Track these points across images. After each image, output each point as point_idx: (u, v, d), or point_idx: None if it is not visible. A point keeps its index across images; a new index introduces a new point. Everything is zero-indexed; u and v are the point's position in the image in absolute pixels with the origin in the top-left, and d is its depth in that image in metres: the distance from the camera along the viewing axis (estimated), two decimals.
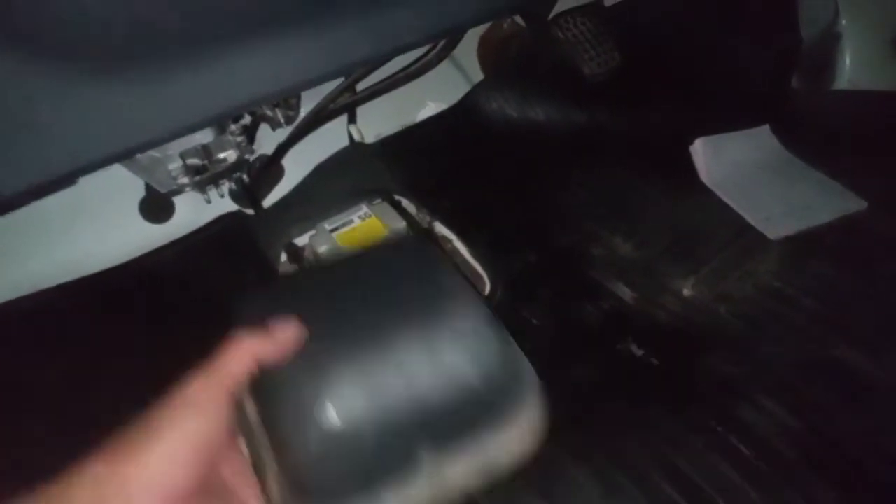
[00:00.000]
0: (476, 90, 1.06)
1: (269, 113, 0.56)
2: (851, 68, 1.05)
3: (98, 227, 0.86)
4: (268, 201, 0.92)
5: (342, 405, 0.39)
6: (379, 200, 0.89)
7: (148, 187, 0.85)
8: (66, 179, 0.30)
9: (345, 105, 0.80)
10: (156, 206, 0.87)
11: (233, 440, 0.39)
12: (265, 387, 0.41)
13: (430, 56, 0.62)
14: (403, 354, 0.41)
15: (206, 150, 0.49)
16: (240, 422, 0.41)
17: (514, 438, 0.42)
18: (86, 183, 0.85)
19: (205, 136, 0.48)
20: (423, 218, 0.90)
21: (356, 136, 1.00)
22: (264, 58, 0.32)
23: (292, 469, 0.40)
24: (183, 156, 0.47)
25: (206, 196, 0.59)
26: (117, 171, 0.80)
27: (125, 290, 0.78)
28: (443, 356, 0.41)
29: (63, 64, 0.26)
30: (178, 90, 0.31)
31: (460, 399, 0.40)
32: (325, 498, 0.40)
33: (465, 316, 0.43)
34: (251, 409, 0.42)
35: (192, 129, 0.33)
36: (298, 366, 0.40)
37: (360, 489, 0.40)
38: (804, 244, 0.81)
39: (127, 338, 0.72)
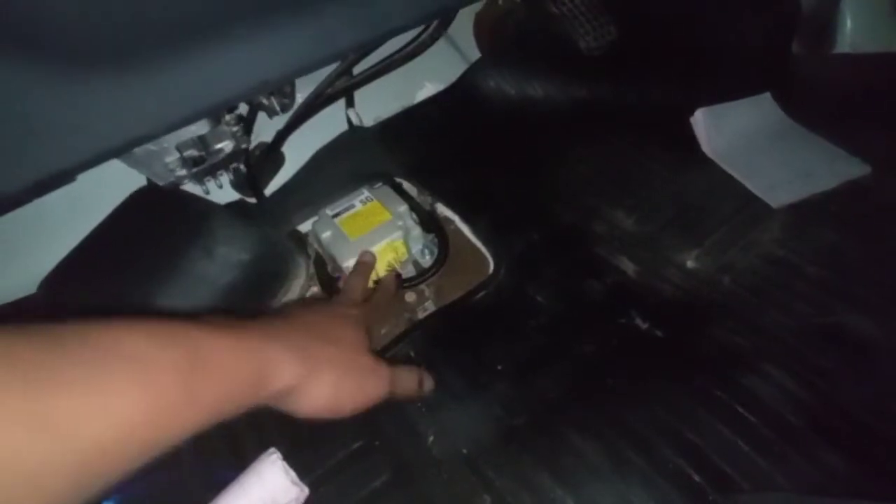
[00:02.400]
0: (473, 69, 1.05)
1: (264, 102, 0.56)
2: (852, 31, 1.04)
3: (97, 223, 0.86)
4: (269, 189, 0.93)
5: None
6: (380, 184, 0.89)
7: (148, 182, 0.85)
8: (65, 176, 0.31)
9: (342, 89, 0.80)
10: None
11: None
12: None
13: (423, 37, 0.62)
14: (193, 266, 0.57)
15: (202, 142, 0.50)
16: None
17: (297, 285, 0.66)
18: (84, 179, 0.86)
19: (200, 128, 0.48)
20: (425, 200, 0.90)
21: (355, 121, 1.00)
22: (256, 47, 0.32)
23: None
24: (179, 148, 0.48)
25: (204, 188, 0.60)
26: (116, 165, 0.81)
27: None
28: (219, 255, 0.58)
29: (58, 61, 0.26)
30: (172, 83, 0.31)
31: (248, 277, 0.59)
32: None
33: (224, 225, 0.61)
34: None
35: (188, 121, 0.34)
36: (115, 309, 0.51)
37: None
38: (808, 211, 0.81)
39: None
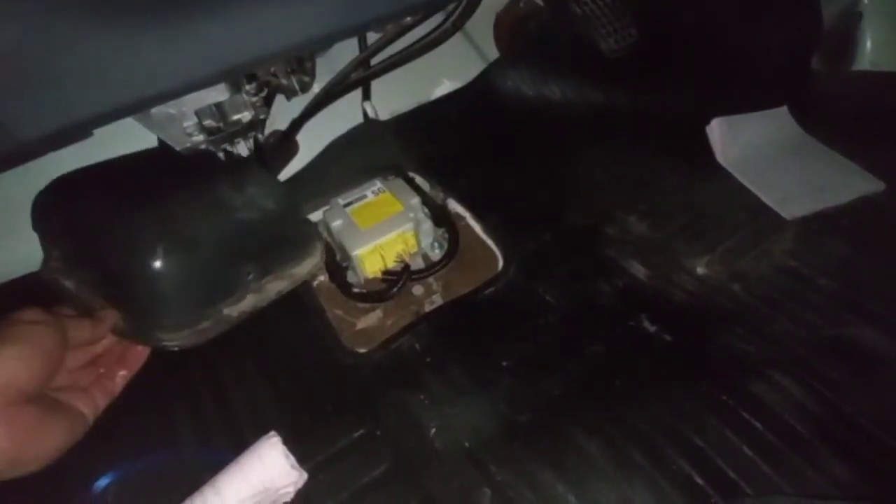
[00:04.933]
0: (491, 68, 1.05)
1: (283, 81, 0.56)
2: (873, 48, 1.04)
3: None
4: (282, 177, 0.93)
5: (180, 243, 0.54)
6: (393, 177, 0.89)
7: None
8: (82, 128, 0.31)
9: (359, 79, 0.80)
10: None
11: (64, 355, 0.46)
12: (95, 247, 0.56)
13: (446, 25, 0.62)
14: (217, 193, 0.58)
15: (220, 111, 0.50)
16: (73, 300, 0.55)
17: (309, 263, 0.65)
18: (100, 157, 0.86)
19: (220, 94, 0.48)
20: (437, 195, 0.90)
21: (370, 113, 1.00)
22: (283, 9, 0.32)
23: (142, 306, 0.55)
24: (198, 114, 0.48)
25: (221, 155, 0.61)
26: (132, 144, 0.81)
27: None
28: (245, 191, 0.59)
29: (83, 8, 0.26)
30: (196, 39, 0.31)
31: (265, 226, 0.60)
32: (180, 318, 0.56)
33: (256, 170, 0.63)
34: (68, 282, 0.57)
35: (209, 81, 0.34)
36: (133, 219, 0.51)
37: (204, 308, 0.57)
38: (820, 224, 0.80)
39: None
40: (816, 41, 1.04)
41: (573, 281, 0.76)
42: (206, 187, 0.58)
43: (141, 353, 0.57)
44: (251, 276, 0.60)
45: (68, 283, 0.57)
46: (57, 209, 0.58)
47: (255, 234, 0.60)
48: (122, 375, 0.54)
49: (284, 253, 0.63)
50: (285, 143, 0.89)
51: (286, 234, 0.64)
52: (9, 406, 0.39)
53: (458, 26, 0.62)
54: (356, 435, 0.62)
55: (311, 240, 0.66)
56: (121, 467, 0.59)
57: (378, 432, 0.62)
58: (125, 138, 0.72)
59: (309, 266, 0.64)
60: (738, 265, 0.76)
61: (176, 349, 0.56)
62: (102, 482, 0.58)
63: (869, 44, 1.04)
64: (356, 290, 0.77)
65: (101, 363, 0.54)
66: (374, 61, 0.78)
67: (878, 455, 0.56)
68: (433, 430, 0.62)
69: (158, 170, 0.61)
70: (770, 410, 0.59)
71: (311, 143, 0.95)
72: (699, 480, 0.55)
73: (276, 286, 0.63)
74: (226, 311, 0.59)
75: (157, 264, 0.53)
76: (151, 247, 0.53)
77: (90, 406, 0.49)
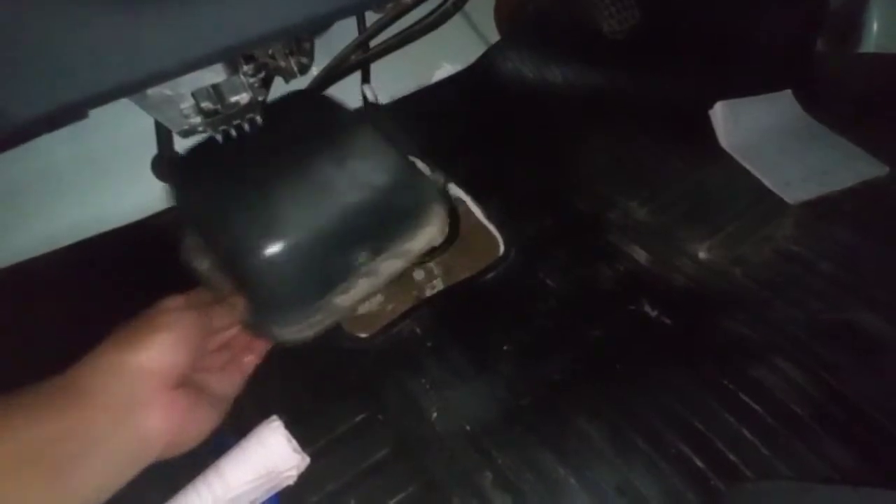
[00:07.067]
0: (492, 51, 1.04)
1: (282, 63, 0.55)
2: (879, 31, 1.02)
3: (109, 185, 0.86)
4: None
5: (285, 234, 0.50)
6: None
7: (159, 145, 0.85)
8: (77, 109, 0.30)
9: (358, 62, 0.79)
10: (167, 164, 0.86)
11: (206, 340, 0.47)
12: (216, 233, 0.53)
13: (447, 5, 0.61)
14: (324, 175, 0.52)
15: (217, 92, 0.49)
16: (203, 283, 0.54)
17: (427, 234, 0.56)
18: (98, 140, 0.85)
19: (217, 75, 0.47)
20: (438, 179, 0.89)
21: (370, 97, 0.99)
22: None
23: (256, 298, 0.51)
24: (195, 95, 0.47)
25: (219, 136, 0.59)
26: (129, 128, 0.80)
27: (144, 245, 0.79)
28: (354, 169, 0.53)
29: None
30: (192, 17, 0.31)
31: (377, 204, 0.53)
32: (291, 311, 0.52)
33: (365, 140, 0.55)
34: (203, 265, 0.54)
35: (206, 61, 0.33)
36: (241, 208, 0.48)
37: (316, 300, 0.52)
38: (823, 209, 0.80)
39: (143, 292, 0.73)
40: (822, 23, 1.03)
41: (574, 265, 0.76)
42: (305, 168, 0.53)
43: (266, 342, 0.56)
44: (363, 259, 0.55)
45: (203, 265, 0.55)
46: (186, 187, 0.55)
47: (363, 215, 0.53)
48: (250, 360, 0.54)
49: (398, 228, 0.56)
50: None
51: (399, 206, 0.56)
52: (163, 390, 0.41)
53: (458, 6, 0.60)
54: (358, 419, 0.62)
55: (429, 206, 0.58)
56: None
57: (379, 416, 0.63)
58: (125, 123, 0.72)
59: (427, 237, 0.57)
60: (739, 249, 0.76)
61: (289, 346, 0.53)
62: None
63: (875, 26, 1.02)
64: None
65: (233, 346, 0.55)
66: (373, 43, 0.77)
67: (877, 439, 0.56)
68: (434, 414, 0.62)
69: (263, 144, 0.55)
70: (770, 394, 0.60)
71: None
72: (699, 463, 0.55)
73: (389, 266, 0.57)
74: (337, 300, 0.54)
75: (261, 256, 0.50)
76: (255, 238, 0.50)
77: (231, 387, 0.50)
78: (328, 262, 0.53)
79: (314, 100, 0.63)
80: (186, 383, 0.44)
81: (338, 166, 0.53)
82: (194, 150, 0.57)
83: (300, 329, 0.53)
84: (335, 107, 0.59)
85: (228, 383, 0.51)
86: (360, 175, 0.53)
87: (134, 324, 0.44)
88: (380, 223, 0.55)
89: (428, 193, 0.59)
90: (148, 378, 0.41)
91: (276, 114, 0.56)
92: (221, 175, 0.55)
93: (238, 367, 0.53)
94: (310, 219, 0.52)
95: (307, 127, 0.57)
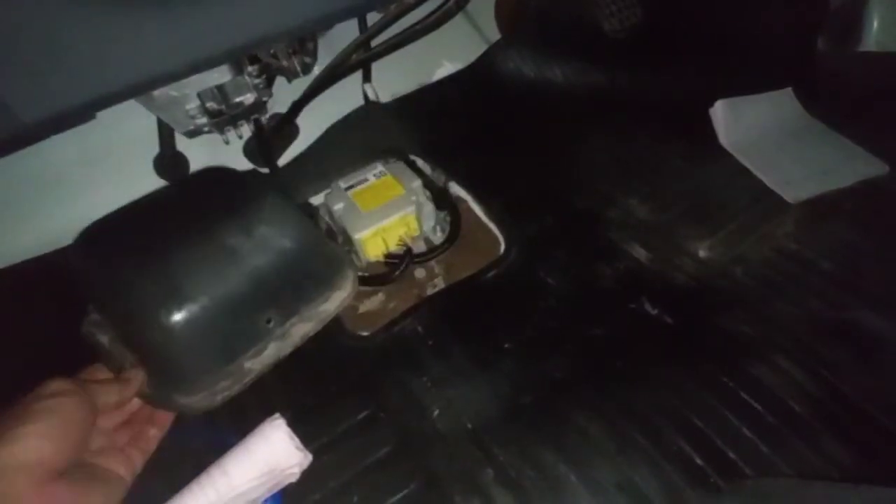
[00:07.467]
0: (493, 50, 1.04)
1: (285, 63, 0.56)
2: (879, 30, 1.02)
3: (112, 183, 0.86)
4: (282, 160, 0.92)
5: (189, 301, 0.50)
6: (394, 160, 0.88)
7: (162, 144, 0.85)
8: (85, 111, 0.30)
9: (360, 61, 0.79)
10: (170, 163, 0.87)
11: (94, 422, 0.44)
12: (115, 304, 0.53)
13: (449, 4, 0.61)
14: (230, 243, 0.53)
15: (222, 93, 0.49)
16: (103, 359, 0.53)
17: (338, 297, 0.59)
18: (100, 139, 0.86)
19: (222, 76, 0.48)
20: (439, 178, 0.90)
21: (371, 96, 0.99)
22: None
23: (159, 369, 0.51)
24: (201, 96, 0.47)
25: (224, 137, 0.59)
26: (131, 127, 0.81)
27: None
28: (261, 236, 0.54)
29: None
30: (197, 19, 0.31)
31: (285, 269, 0.55)
32: (197, 379, 0.52)
33: (273, 207, 0.56)
34: (103, 339, 0.54)
35: (211, 62, 0.33)
36: (143, 278, 0.51)
37: (224, 365, 0.52)
38: (823, 207, 0.80)
39: None
40: (822, 22, 1.03)
41: (575, 264, 0.76)
42: (211, 236, 0.53)
43: (169, 414, 0.55)
44: (272, 324, 0.55)
45: (103, 339, 0.54)
46: (85, 262, 0.55)
47: (271, 279, 0.54)
48: (154, 434, 0.52)
49: (308, 291, 0.57)
50: (286, 126, 0.88)
51: (309, 270, 0.58)
52: (39, 486, 0.38)
53: (461, 5, 0.61)
54: (360, 416, 0.63)
55: (339, 271, 0.60)
56: None
57: (381, 414, 0.63)
58: (128, 122, 0.72)
59: (338, 301, 0.58)
60: (739, 248, 0.76)
61: (194, 414, 0.53)
62: None
63: (875, 25, 1.02)
64: (359, 273, 0.77)
65: (135, 420, 0.52)
66: (374, 43, 0.77)
67: (877, 437, 0.56)
68: (436, 412, 0.62)
69: (169, 215, 0.56)
70: (770, 392, 0.60)
71: (312, 126, 0.94)
72: (699, 461, 0.56)
73: (301, 329, 0.58)
74: (248, 364, 0.55)
75: (165, 326, 0.50)
76: (158, 308, 0.50)
77: (128, 467, 0.48)
78: (236, 327, 0.53)
79: (226, 174, 0.63)
80: (74, 471, 0.41)
81: (244, 233, 0.53)
82: (97, 224, 0.57)
83: (206, 396, 0.52)
84: (247, 179, 0.60)
85: (128, 462, 0.48)
86: (267, 241, 0.54)
87: (8, 412, 0.40)
88: (289, 287, 0.55)
89: (338, 258, 0.62)
90: (21, 474, 0.37)
91: (185, 188, 0.57)
92: (123, 247, 0.54)
93: (141, 444, 0.51)
94: (214, 286, 0.52)
95: (215, 198, 0.57)
